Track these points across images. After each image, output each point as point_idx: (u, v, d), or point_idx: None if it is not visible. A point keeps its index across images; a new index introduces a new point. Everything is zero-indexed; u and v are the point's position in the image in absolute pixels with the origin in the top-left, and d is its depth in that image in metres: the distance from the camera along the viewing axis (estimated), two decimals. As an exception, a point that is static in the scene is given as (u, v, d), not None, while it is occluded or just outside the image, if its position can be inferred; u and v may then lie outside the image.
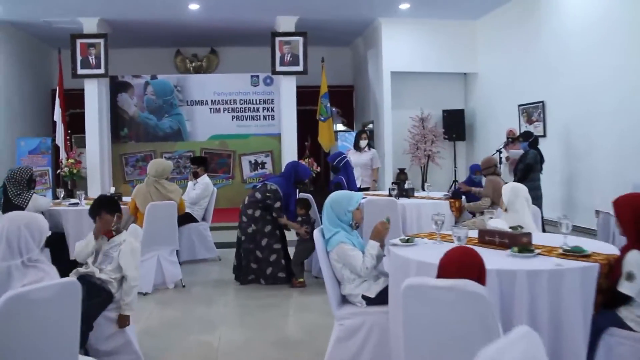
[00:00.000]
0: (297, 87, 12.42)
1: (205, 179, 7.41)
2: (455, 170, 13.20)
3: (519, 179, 7.65)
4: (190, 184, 7.47)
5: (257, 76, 13.43)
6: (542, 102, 10.39)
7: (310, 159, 11.65)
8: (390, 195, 6.70)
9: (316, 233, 3.73)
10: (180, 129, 13.31)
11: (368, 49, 13.87)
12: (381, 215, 3.90)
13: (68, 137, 11.53)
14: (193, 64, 14.95)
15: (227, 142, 13.37)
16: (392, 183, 6.68)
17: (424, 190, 8.82)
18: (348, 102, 15.77)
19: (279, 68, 11.98)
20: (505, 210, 4.44)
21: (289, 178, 6.35)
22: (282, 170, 6.98)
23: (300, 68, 11.97)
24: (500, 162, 9.08)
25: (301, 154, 12.02)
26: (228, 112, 13.41)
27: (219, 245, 8.30)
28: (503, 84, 11.85)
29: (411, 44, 12.67)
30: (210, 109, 13.39)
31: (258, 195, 6.27)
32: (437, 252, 2.67)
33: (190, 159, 7.80)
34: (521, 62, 11.12)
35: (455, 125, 13.02)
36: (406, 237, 3.74)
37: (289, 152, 11.97)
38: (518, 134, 9.41)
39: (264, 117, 13.45)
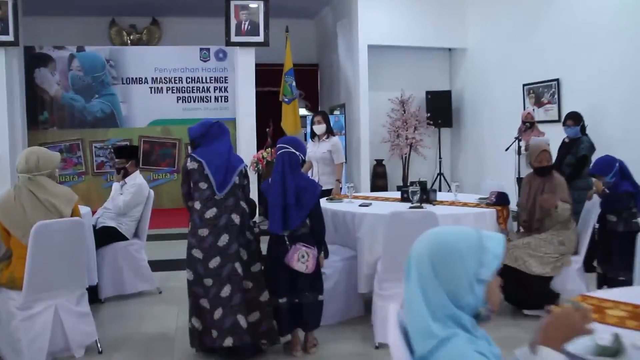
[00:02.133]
0: (256, 65, 10.34)
1: (137, 178, 5.26)
2: (439, 162, 11.37)
3: (570, 174, 5.80)
4: (115, 185, 5.29)
5: (208, 49, 11.25)
6: (556, 80, 8.59)
7: (272, 150, 9.57)
8: (404, 199, 4.76)
9: (396, 343, 1.60)
10: (114, 112, 11.03)
11: (338, 20, 11.89)
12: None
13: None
14: (131, 37, 12.65)
15: (171, 128, 11.17)
16: (410, 183, 4.66)
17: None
18: (312, 83, 13.81)
19: (234, 38, 9.83)
20: None
21: None
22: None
23: (260, 38, 9.87)
24: (519, 152, 7.23)
25: (261, 143, 9.95)
26: (172, 92, 11.20)
27: (159, 266, 6.19)
28: (501, 60, 10.04)
29: (390, 12, 10.76)
30: (151, 88, 11.14)
31: None
32: None
33: (114, 150, 5.60)
34: (525, 36, 9.32)
35: (441, 109, 11.18)
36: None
37: (247, 141, 9.96)
38: (535, 117, 7.56)
39: (215, 99, 11.29)
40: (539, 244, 4.33)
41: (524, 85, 9.34)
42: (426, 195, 4.62)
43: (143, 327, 4.57)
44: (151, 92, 11.14)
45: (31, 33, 10.41)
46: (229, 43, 9.92)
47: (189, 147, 4.51)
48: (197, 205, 3.75)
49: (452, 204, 4.70)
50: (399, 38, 10.79)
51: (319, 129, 6.39)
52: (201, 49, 11.23)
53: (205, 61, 11.25)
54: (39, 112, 10.85)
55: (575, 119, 6.51)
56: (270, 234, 3.87)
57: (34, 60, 10.75)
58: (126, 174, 5.23)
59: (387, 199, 5.09)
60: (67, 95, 10.89)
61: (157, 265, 6.08)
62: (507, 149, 7.28)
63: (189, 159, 3.87)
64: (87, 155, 10.99)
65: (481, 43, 10.73)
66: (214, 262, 3.67)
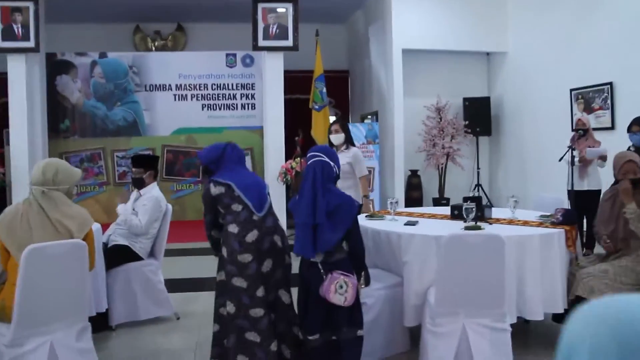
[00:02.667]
0: (284, 71, 9.82)
1: (153, 189, 4.74)
2: (477, 173, 10.71)
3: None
4: (132, 196, 4.78)
5: (234, 55, 10.77)
6: (609, 84, 7.91)
7: (302, 160, 9.02)
8: (455, 216, 4.16)
9: None
10: (137, 120, 10.61)
11: (370, 25, 11.36)
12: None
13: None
14: (155, 43, 12.28)
15: (196, 137, 10.69)
16: (465, 199, 4.06)
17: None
18: (342, 90, 13.30)
19: (262, 43, 9.32)
20: None
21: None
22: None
23: (289, 43, 9.34)
24: (573, 163, 6.55)
25: (290, 152, 9.42)
26: (197, 99, 10.73)
27: (178, 287, 5.68)
28: (545, 64, 9.38)
29: (425, 15, 10.21)
30: (175, 95, 10.69)
31: None
32: None
33: (132, 158, 5.04)
34: (572, 37, 8.68)
35: (479, 116, 10.54)
36: None
37: (275, 150, 9.41)
38: (589, 124, 6.88)
39: (242, 106, 10.80)
40: (619, 272, 3.68)
41: (571, 90, 8.68)
42: (481, 212, 4.01)
43: (158, 360, 4.03)
44: (175, 100, 10.70)
45: (53, 40, 10.06)
46: (256, 47, 9.42)
47: (201, 174, 4.09)
48: (234, 228, 3.27)
49: (510, 222, 4.08)
50: (434, 42, 10.22)
51: (337, 138, 5.60)
52: (227, 55, 10.76)
53: (231, 67, 10.77)
54: (60, 121, 10.47)
55: (640, 123, 5.86)
56: (301, 259, 3.31)
57: (56, 67, 10.39)
58: (142, 184, 4.72)
59: (434, 216, 4.49)
60: (89, 103, 10.50)
61: (176, 286, 5.57)
62: (560, 159, 6.62)
63: (211, 184, 3.40)
64: (109, 164, 10.57)
65: (523, 46, 10.08)
66: (261, 291, 3.23)
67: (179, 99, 10.69)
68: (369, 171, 9.08)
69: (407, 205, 9.91)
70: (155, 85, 10.65)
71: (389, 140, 10.13)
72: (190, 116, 10.65)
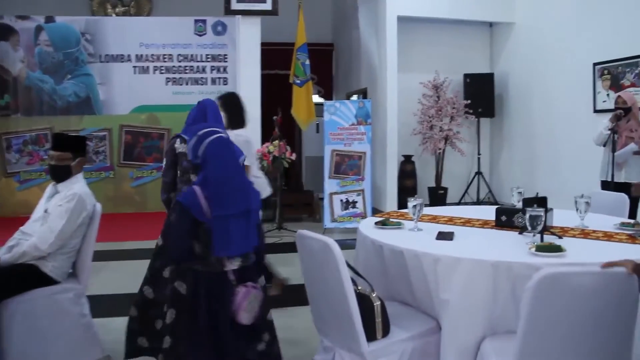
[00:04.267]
0: (262, 44, 8.57)
1: (76, 185, 3.36)
2: (478, 159, 9.52)
3: None
4: (47, 191, 3.40)
5: (204, 21, 9.36)
6: (644, 56, 6.75)
7: (282, 143, 7.75)
8: (504, 224, 2.93)
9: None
10: (90, 96, 9.17)
11: (359, -10, 10.02)
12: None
13: None
14: (116, 9, 10.82)
15: (159, 116, 9.31)
16: (525, 201, 2.80)
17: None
18: (326, 65, 12.02)
19: (235, 5, 8.06)
20: None
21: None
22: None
23: (267, 6, 8.11)
24: (614, 149, 5.35)
25: (268, 133, 8.11)
26: (160, 72, 9.32)
27: (125, 305, 4.36)
28: (560, 36, 8.20)
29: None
30: (135, 68, 9.27)
31: None
32: None
33: (53, 138, 3.65)
34: (594, 4, 7.49)
35: (481, 95, 9.34)
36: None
37: (250, 131, 8.08)
38: (633, 102, 5.65)
39: (212, 81, 9.40)
40: None
41: (594, 64, 7.49)
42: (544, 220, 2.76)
43: None
44: (135, 73, 9.24)
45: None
46: (229, 11, 8.12)
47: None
48: None
49: (585, 234, 2.84)
50: (432, 9, 9.01)
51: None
52: (196, 21, 9.33)
53: (200, 35, 9.35)
54: (-1, 95, 9.02)
55: None
56: (173, 268, 2.63)
57: (-7, 33, 8.93)
58: (67, 175, 3.36)
59: (469, 222, 3.22)
60: (34, 76, 9.02)
61: (123, 304, 4.25)
62: (604, 145, 5.44)
63: (178, 139, 3.19)
64: (58, 147, 9.12)
65: (533, 16, 8.88)
66: None
67: (139, 72, 9.25)
68: (359, 156, 7.87)
69: (399, 200, 8.70)
70: (112, 56, 9.19)
71: (380, 122, 8.89)
72: (153, 92, 9.21)
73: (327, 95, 11.84)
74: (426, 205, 3.36)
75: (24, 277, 3.10)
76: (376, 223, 3.14)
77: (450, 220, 3.29)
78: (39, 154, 8.96)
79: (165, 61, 9.30)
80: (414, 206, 2.94)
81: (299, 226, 8.08)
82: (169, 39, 9.29)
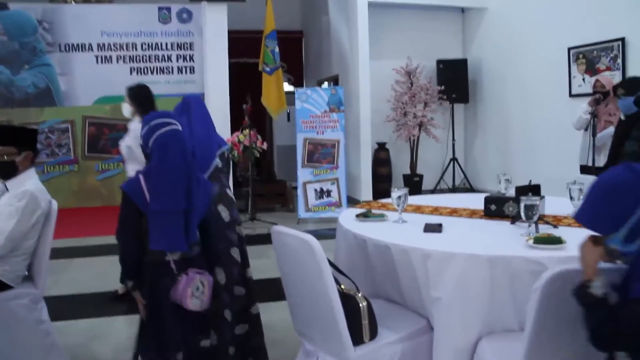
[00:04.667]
0: (229, 32, 8.30)
1: (28, 182, 3.04)
2: (452, 145, 9.38)
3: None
4: (7, 198, 3.07)
5: (168, 8, 9.00)
6: (620, 39, 6.64)
7: (252, 132, 7.51)
8: (493, 213, 2.75)
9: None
10: (50, 87, 8.76)
11: (328, -26, 9.77)
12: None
13: None
14: (76, -2, 10.34)
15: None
16: (518, 190, 2.61)
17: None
18: (295, 53, 11.76)
19: (200, -9, 7.68)
20: None
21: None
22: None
23: (234, -9, 7.73)
24: (595, 133, 5.22)
25: (237, 123, 7.84)
26: (124, 62, 8.94)
27: (89, 306, 4.11)
28: (535, 20, 8.09)
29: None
30: (97, 57, 8.87)
31: None
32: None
33: (8, 130, 3.33)
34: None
35: (455, 81, 9.18)
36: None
37: (218, 121, 7.76)
38: (610, 86, 5.53)
39: (179, 70, 9.08)
40: None
41: (569, 48, 7.38)
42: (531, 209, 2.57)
43: None
44: (97, 62, 8.85)
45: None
46: (193, -3, 7.79)
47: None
48: None
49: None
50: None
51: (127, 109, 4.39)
52: (160, 8, 8.97)
53: (165, 23, 8.98)
54: (-49, 87, 8.56)
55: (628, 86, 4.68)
56: (128, 262, 2.47)
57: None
58: (13, 172, 3.07)
59: (455, 212, 3.02)
60: (-11, 66, 8.59)
61: (87, 305, 3.99)
62: (586, 129, 5.33)
63: None
64: (17, 141, 8.70)
65: (506, 1, 8.74)
66: None
67: (102, 61, 8.87)
68: (333, 144, 7.66)
69: (374, 188, 8.53)
70: (73, 45, 8.79)
71: (353, 109, 8.69)
72: (116, 82, 8.71)
73: (298, 83, 11.58)
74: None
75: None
76: (357, 215, 2.93)
77: (436, 210, 3.10)
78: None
79: (128, 50, 8.91)
80: (399, 197, 2.73)
81: (272, 216, 7.85)
82: (132, 27, 8.90)
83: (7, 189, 3.00)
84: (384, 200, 3.51)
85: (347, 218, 2.96)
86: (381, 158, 9.19)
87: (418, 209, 3.16)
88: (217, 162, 2.93)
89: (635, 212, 1.53)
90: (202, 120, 3.00)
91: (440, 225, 2.63)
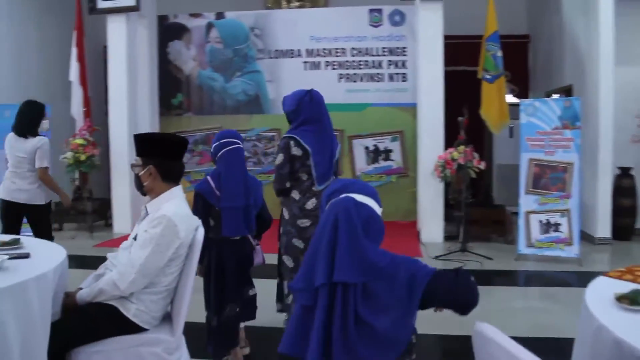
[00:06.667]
0: (445, 37, 7.54)
1: (166, 205, 2.41)
2: None
3: None
4: (145, 223, 2.46)
5: (380, 10, 8.42)
6: None
7: (468, 148, 6.55)
8: None
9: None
10: (259, 95, 8.68)
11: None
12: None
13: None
14: (291, 4, 10.24)
15: (331, 116, 8.43)
16: None
17: None
18: (520, 60, 10.41)
19: (415, -11, 6.92)
20: None
21: None
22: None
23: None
24: None
25: (452, 137, 6.97)
26: (332, 68, 8.56)
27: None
28: None
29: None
30: (305, 63, 8.59)
31: None
32: None
33: (136, 139, 2.58)
34: None
35: None
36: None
37: (430, 135, 7.33)
38: None
39: (390, 77, 8.45)
40: None
41: None
42: None
43: None
44: (305, 69, 8.57)
45: (160, 2, 8.44)
46: (408, -3, 7.06)
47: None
48: (296, 195, 3.52)
49: None
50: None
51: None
52: (371, 10, 8.41)
53: (376, 26, 8.40)
54: (172, 95, 8.86)
55: None
56: (220, 241, 3.23)
57: (167, 32, 8.79)
58: (140, 188, 2.49)
59: None
60: (204, 74, 8.73)
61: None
62: None
63: (292, 142, 3.45)
64: (227, 148, 8.74)
65: None
66: None
67: (309, 68, 8.56)
68: (565, 168, 6.39)
69: (614, 224, 7.05)
70: (282, 51, 8.60)
71: (590, 126, 7.28)
72: (324, 90, 8.34)
73: (522, 95, 10.27)
74: None
75: (101, 320, 2.31)
76: (619, 299, 1.88)
77: None
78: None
79: (337, 56, 8.51)
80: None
81: (486, 248, 6.80)
82: (342, 31, 8.50)
83: (147, 213, 2.46)
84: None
85: (597, 299, 1.91)
86: (624, 186, 7.60)
87: None
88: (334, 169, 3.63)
89: None
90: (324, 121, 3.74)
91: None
